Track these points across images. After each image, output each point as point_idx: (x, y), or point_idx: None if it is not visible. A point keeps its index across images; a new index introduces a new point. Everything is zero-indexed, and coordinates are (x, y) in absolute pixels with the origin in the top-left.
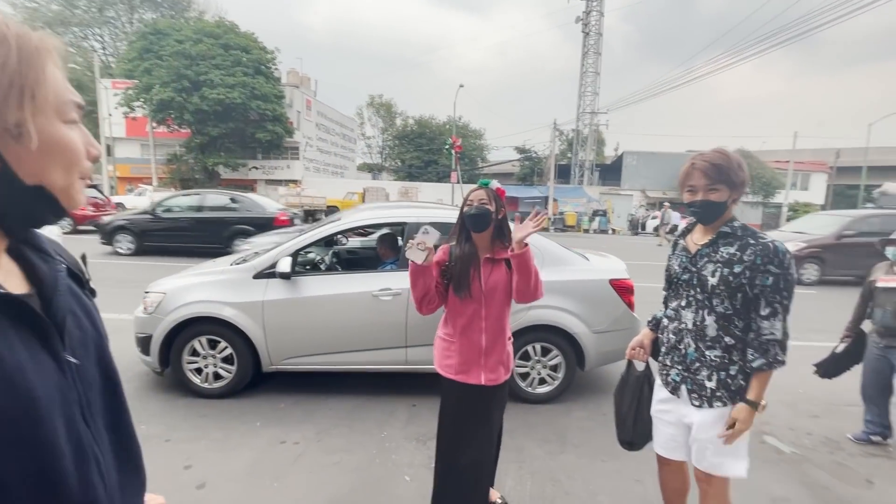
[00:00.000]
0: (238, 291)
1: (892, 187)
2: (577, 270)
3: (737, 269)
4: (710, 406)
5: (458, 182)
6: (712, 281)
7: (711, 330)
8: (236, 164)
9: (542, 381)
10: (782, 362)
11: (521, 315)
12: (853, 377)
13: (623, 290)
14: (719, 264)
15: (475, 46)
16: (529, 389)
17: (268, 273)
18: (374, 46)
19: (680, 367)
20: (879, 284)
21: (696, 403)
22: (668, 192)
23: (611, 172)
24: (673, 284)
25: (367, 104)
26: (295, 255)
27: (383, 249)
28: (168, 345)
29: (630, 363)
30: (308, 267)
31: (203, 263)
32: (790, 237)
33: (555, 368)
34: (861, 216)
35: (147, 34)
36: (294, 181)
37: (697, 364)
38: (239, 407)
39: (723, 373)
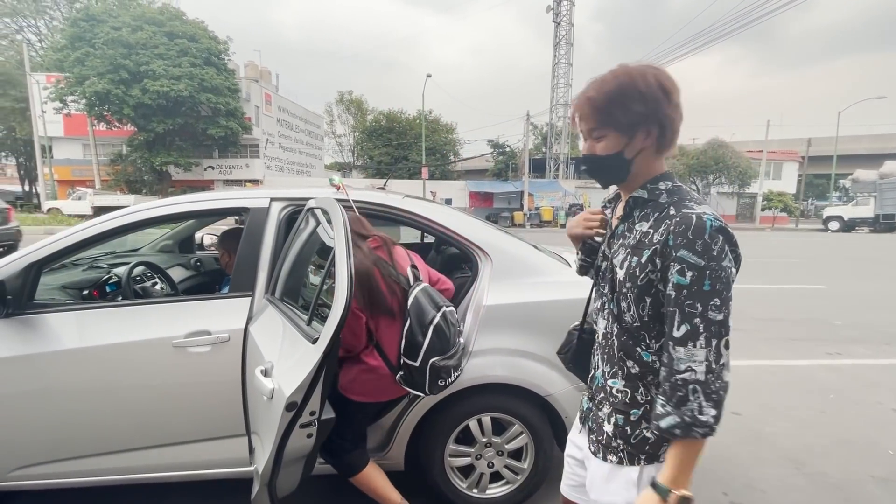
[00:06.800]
0: None
1: (863, 174)
2: (552, 284)
3: (644, 257)
4: (604, 458)
5: (428, 178)
6: (619, 274)
7: (617, 349)
8: (188, 163)
9: (498, 477)
10: (708, 426)
11: None
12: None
13: None
14: (629, 249)
15: (449, 45)
16: (475, 492)
17: None
18: (347, 45)
19: (588, 394)
20: None
21: (592, 449)
22: None
23: None
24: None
25: (337, 101)
26: (30, 271)
27: (226, 255)
28: None
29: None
30: (85, 292)
31: None
32: None
33: (517, 454)
34: None
35: (79, 21)
36: (254, 181)
37: (602, 394)
38: None
39: (620, 416)
